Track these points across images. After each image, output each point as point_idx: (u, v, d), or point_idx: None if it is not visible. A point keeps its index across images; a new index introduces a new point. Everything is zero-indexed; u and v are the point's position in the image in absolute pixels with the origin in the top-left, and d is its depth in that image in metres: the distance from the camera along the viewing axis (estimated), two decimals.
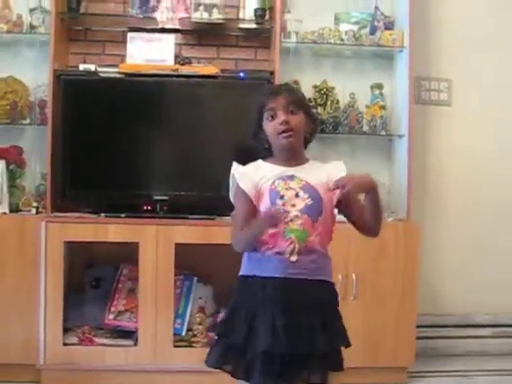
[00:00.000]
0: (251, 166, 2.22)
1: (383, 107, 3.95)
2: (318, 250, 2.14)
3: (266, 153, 2.25)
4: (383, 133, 3.92)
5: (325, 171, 2.22)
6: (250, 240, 2.15)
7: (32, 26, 3.71)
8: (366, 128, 3.93)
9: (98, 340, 3.49)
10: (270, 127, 2.19)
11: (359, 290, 3.54)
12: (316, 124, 2.32)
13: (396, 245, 3.62)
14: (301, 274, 2.10)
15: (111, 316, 3.54)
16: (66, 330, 3.46)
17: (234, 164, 2.22)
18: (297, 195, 2.14)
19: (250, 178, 2.18)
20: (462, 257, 4.21)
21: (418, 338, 3.73)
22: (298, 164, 2.21)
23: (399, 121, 3.92)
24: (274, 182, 2.15)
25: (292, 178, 2.16)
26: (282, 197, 2.13)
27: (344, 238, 3.54)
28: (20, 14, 3.71)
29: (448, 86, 4.21)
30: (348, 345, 2.21)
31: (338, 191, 2.13)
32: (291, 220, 2.10)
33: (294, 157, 2.22)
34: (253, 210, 2.16)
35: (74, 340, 3.47)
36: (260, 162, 2.24)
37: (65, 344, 3.43)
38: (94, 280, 3.68)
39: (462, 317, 4.19)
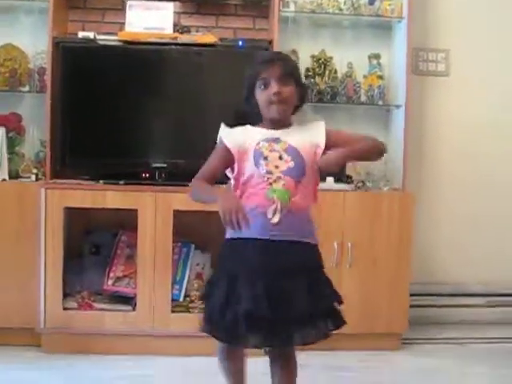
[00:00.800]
0: (239, 128, 2.29)
1: (381, 77, 3.97)
2: (301, 212, 2.20)
3: (256, 117, 2.29)
4: (380, 103, 3.94)
5: (308, 132, 2.27)
6: (200, 201, 2.28)
7: None
8: (363, 98, 3.96)
9: (96, 305, 3.54)
10: (262, 96, 2.24)
11: (354, 258, 3.59)
12: (306, 92, 2.39)
13: (391, 214, 3.66)
14: (282, 235, 2.15)
15: (110, 282, 3.58)
16: (65, 295, 3.51)
17: (222, 125, 2.29)
18: (280, 157, 2.20)
19: (235, 137, 2.25)
20: (456, 227, 4.25)
21: (412, 306, 3.79)
22: (283, 127, 2.27)
23: (396, 91, 3.94)
24: (258, 143, 2.21)
25: (277, 140, 2.23)
26: (265, 158, 2.19)
27: (340, 207, 3.60)
28: None
29: (445, 57, 4.21)
30: (336, 301, 2.24)
31: (319, 153, 2.22)
32: (274, 181, 2.17)
33: (281, 123, 2.27)
34: (223, 167, 2.26)
35: (74, 305, 3.52)
36: (248, 126, 2.30)
37: (64, 309, 3.48)
38: (93, 246, 3.72)
39: (455, 286, 4.24)
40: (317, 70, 3.94)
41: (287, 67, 2.24)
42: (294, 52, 3.93)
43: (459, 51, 4.20)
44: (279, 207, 2.13)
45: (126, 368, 3.34)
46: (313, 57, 3.97)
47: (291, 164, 2.19)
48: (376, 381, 3.34)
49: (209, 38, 3.71)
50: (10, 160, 3.64)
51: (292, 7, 3.83)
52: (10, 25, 3.83)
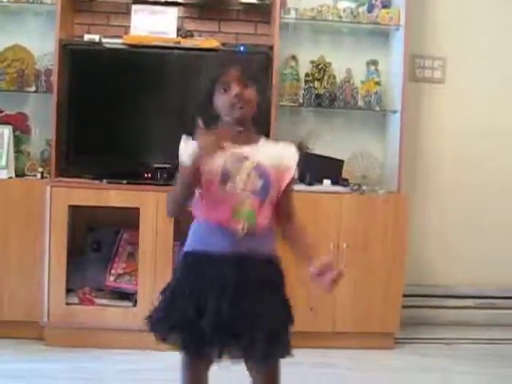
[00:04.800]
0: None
1: (378, 83, 4.06)
2: (264, 229, 2.14)
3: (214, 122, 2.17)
4: (377, 108, 4.04)
5: (278, 153, 2.17)
6: (178, 196, 2.11)
7: None
8: (360, 103, 4.05)
9: (98, 301, 3.65)
10: (222, 100, 2.13)
11: (349, 259, 3.68)
12: (266, 98, 2.25)
13: (386, 216, 3.76)
14: (247, 250, 2.10)
15: (111, 278, 3.69)
16: (68, 291, 3.61)
17: (184, 138, 2.18)
18: (248, 176, 2.09)
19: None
20: (449, 229, 4.35)
21: (405, 306, 3.89)
22: (249, 142, 2.16)
23: (393, 97, 4.04)
24: (226, 162, 2.09)
25: (245, 158, 2.11)
26: (232, 176, 2.08)
27: (336, 209, 3.70)
28: None
29: (442, 64, 4.31)
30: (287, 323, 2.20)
31: (288, 174, 2.15)
32: (241, 201, 2.08)
33: (244, 132, 2.16)
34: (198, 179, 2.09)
35: (76, 300, 3.62)
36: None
37: (67, 304, 3.58)
38: (95, 243, 3.82)
39: (446, 288, 4.35)
40: (316, 75, 4.03)
41: (247, 69, 2.14)
42: (294, 57, 4.03)
43: (456, 58, 4.29)
44: (246, 227, 2.08)
45: (126, 362, 3.45)
46: (312, 62, 4.06)
47: (259, 183, 2.10)
48: (364, 377, 3.45)
49: (211, 43, 3.79)
50: (16, 158, 3.73)
51: (293, 14, 3.92)
52: (17, 26, 3.93)
